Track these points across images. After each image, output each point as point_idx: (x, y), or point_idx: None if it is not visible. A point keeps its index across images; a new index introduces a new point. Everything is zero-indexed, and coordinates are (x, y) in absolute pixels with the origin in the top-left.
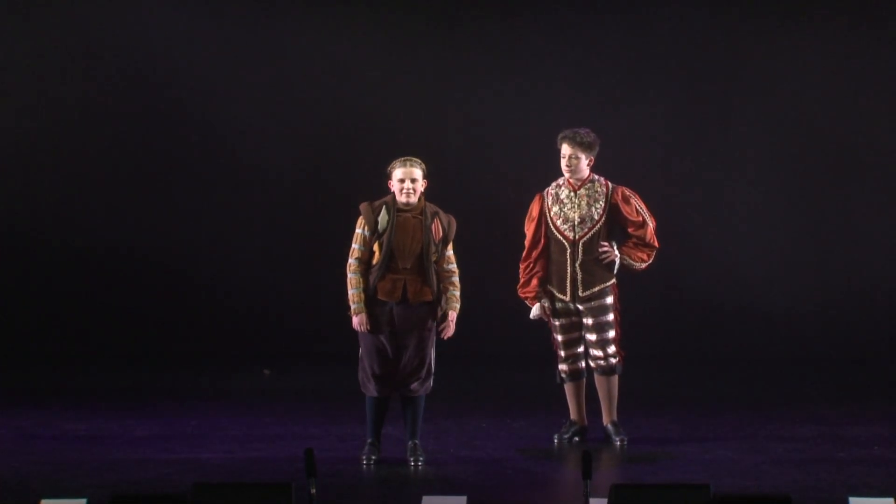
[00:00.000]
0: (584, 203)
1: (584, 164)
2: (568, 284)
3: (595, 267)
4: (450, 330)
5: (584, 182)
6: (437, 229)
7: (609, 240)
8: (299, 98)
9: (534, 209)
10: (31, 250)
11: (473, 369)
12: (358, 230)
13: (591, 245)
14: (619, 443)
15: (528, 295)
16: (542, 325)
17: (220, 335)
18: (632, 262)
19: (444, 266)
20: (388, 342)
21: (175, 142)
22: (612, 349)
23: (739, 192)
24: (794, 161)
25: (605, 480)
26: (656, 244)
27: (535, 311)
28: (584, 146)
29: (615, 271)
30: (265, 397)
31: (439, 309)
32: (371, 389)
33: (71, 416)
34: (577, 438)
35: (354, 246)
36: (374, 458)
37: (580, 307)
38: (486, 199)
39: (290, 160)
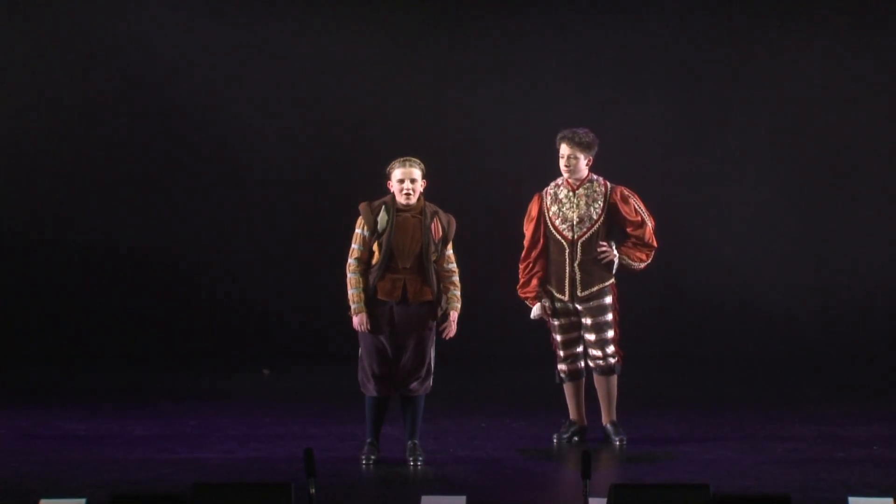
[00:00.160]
0: (582, 203)
1: (583, 164)
2: (567, 284)
3: (594, 267)
4: (451, 330)
5: (582, 182)
6: (436, 229)
7: (608, 240)
8: (299, 98)
9: (533, 209)
10: (31, 250)
11: (473, 369)
12: (357, 230)
13: (589, 245)
14: (618, 443)
15: (528, 295)
16: (541, 325)
17: (220, 335)
18: (630, 261)
19: (444, 266)
20: (388, 342)
21: (175, 142)
22: (611, 349)
23: (739, 192)
24: (794, 161)
25: (604, 480)
26: (655, 244)
27: (535, 311)
28: (583, 146)
29: (614, 271)
30: (265, 397)
31: (439, 309)
32: (371, 389)
33: (70, 415)
34: (576, 438)
35: (354, 246)
36: (373, 457)
37: (579, 307)
38: (486, 199)
39: (290, 160)
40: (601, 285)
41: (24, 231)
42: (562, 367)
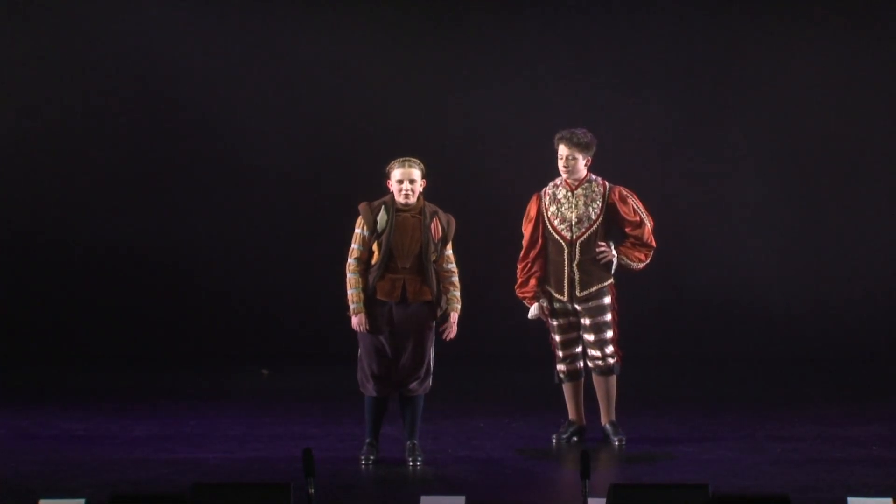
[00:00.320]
0: (581, 203)
1: (582, 164)
2: (566, 284)
3: (592, 267)
4: (452, 332)
5: (581, 182)
6: (436, 229)
7: (606, 240)
8: (299, 98)
9: (531, 209)
10: (32, 250)
11: (472, 369)
12: (357, 230)
13: (588, 245)
14: (617, 443)
15: (526, 295)
16: (540, 325)
17: (220, 335)
18: (629, 261)
19: (444, 266)
20: (388, 342)
21: (175, 141)
22: (609, 349)
23: (739, 192)
24: (794, 161)
25: (603, 480)
26: (654, 244)
27: (533, 310)
28: (582, 147)
29: (613, 271)
30: (265, 397)
31: (439, 309)
32: (370, 389)
33: (70, 415)
34: (575, 438)
35: (354, 246)
36: (372, 458)
37: (578, 307)
38: (486, 199)
39: (290, 160)
40: (600, 285)
41: (24, 231)
42: (561, 367)
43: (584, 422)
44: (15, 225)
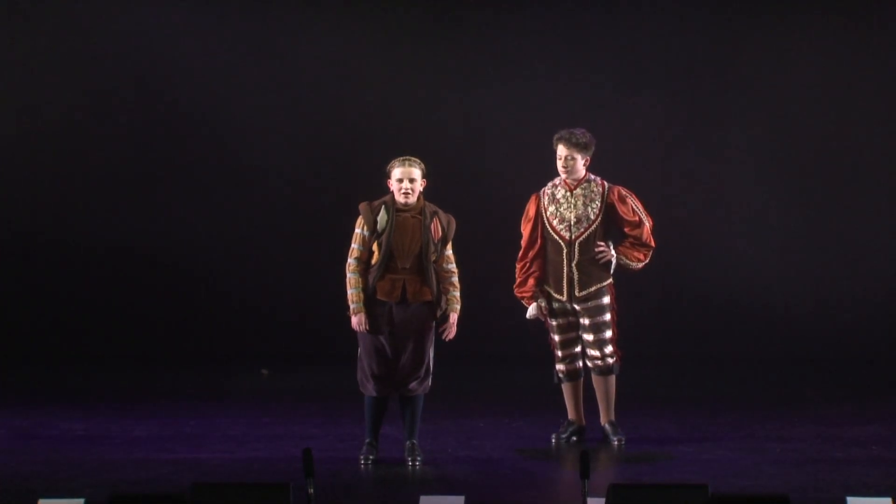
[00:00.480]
0: (580, 203)
1: (581, 164)
2: (565, 284)
3: (591, 267)
4: (451, 332)
5: (580, 182)
6: (436, 229)
7: (605, 240)
8: (299, 98)
9: (530, 209)
10: (32, 250)
11: (472, 369)
12: (357, 230)
13: (587, 245)
14: (616, 443)
15: (524, 295)
16: (540, 325)
17: (220, 335)
18: (628, 261)
19: (444, 266)
20: (388, 342)
21: (175, 141)
22: (609, 349)
23: (739, 192)
24: (794, 161)
25: (603, 480)
26: (653, 244)
27: (531, 310)
28: (580, 147)
29: (612, 271)
30: (264, 397)
31: (439, 310)
32: (370, 389)
33: (70, 415)
34: (574, 438)
35: (354, 246)
36: (372, 457)
37: (577, 307)
38: (486, 199)
39: (290, 160)
40: (599, 285)
41: (24, 231)
42: (560, 367)
43: (584, 422)
44: (15, 225)
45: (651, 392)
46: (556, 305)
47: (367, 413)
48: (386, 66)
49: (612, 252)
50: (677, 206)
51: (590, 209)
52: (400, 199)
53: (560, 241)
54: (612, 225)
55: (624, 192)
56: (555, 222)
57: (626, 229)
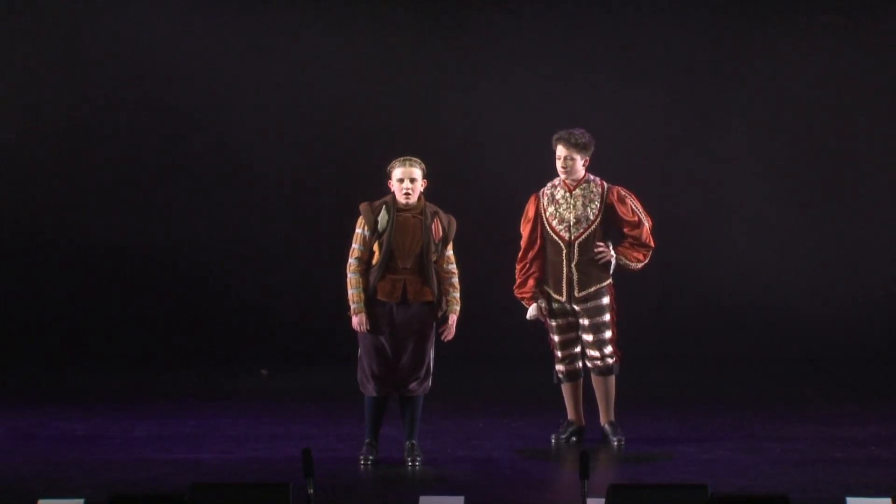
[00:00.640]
0: (579, 203)
1: (580, 164)
2: (564, 285)
3: (591, 267)
4: (450, 333)
5: (579, 182)
6: (436, 229)
7: (605, 240)
8: (299, 98)
9: (529, 210)
10: (32, 250)
11: (472, 369)
12: (358, 230)
13: (586, 245)
14: (616, 443)
15: (524, 295)
16: (539, 325)
17: (220, 335)
18: (628, 262)
19: (444, 266)
20: (388, 342)
21: (175, 142)
22: (608, 349)
23: (739, 192)
24: (794, 161)
25: (602, 480)
26: (652, 244)
27: (531, 311)
28: (580, 147)
29: (611, 271)
30: (264, 397)
31: (439, 310)
32: (370, 389)
33: (69, 415)
34: (574, 438)
35: (354, 246)
36: (371, 458)
37: (576, 308)
38: (486, 199)
39: (290, 160)
40: (598, 286)
41: (24, 231)
42: (560, 367)
43: (584, 422)
44: (15, 225)
45: (651, 392)
46: (555, 306)
47: (366, 413)
48: (386, 66)
49: (612, 252)
50: (677, 206)
51: (589, 210)
52: (401, 199)
53: (559, 241)
54: (611, 225)
55: (623, 192)
56: (554, 223)
57: (625, 230)
